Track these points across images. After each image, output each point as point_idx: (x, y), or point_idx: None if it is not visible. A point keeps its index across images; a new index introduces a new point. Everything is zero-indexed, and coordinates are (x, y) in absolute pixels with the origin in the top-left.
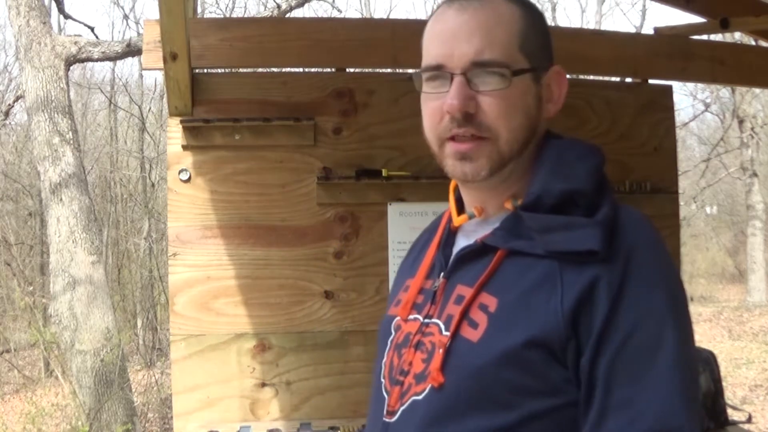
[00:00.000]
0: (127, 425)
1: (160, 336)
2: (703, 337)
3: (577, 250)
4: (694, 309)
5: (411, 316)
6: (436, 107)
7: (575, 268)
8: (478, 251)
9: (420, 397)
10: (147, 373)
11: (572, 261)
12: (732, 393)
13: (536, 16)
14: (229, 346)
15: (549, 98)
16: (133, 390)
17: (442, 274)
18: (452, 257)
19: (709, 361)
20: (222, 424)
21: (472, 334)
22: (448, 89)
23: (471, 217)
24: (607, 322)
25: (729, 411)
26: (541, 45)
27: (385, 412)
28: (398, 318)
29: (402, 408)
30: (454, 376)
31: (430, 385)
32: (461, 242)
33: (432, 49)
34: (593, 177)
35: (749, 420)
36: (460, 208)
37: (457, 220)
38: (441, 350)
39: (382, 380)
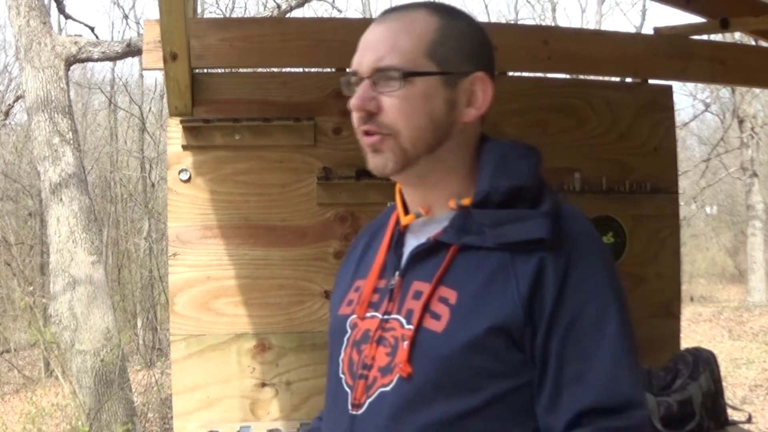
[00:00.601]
0: (127, 425)
1: (160, 336)
2: (703, 337)
3: (527, 239)
4: (694, 309)
5: (368, 314)
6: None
7: (524, 257)
8: (431, 248)
9: (388, 388)
10: (147, 373)
11: (522, 251)
12: (732, 393)
13: (461, 26)
14: (229, 346)
15: (470, 103)
16: (133, 390)
17: (397, 272)
18: (406, 256)
19: (709, 361)
20: (222, 424)
21: (435, 326)
22: None
23: (418, 216)
24: (556, 305)
25: (729, 411)
26: (460, 52)
27: (350, 405)
28: (354, 317)
29: (369, 400)
30: (422, 365)
31: (397, 376)
32: (411, 241)
33: (353, 58)
34: (535, 174)
35: (749, 420)
36: (405, 209)
37: (404, 220)
38: (407, 342)
39: (342, 376)
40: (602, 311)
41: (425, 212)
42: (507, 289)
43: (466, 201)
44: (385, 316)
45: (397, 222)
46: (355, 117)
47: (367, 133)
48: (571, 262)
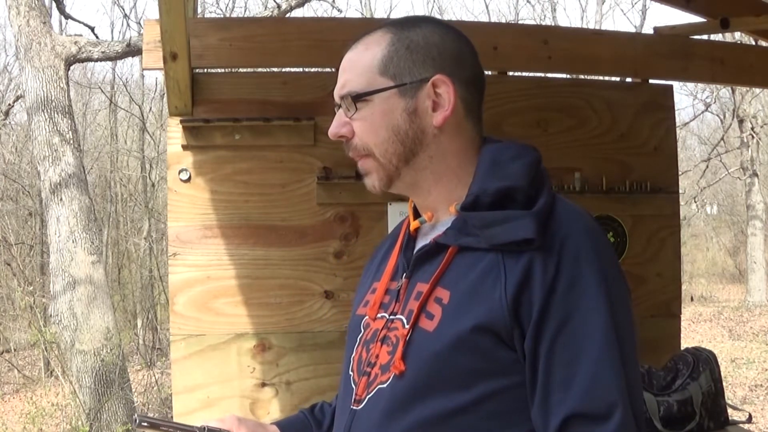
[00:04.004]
0: (127, 425)
1: (160, 336)
2: (704, 337)
3: (515, 240)
4: (694, 309)
5: (379, 315)
6: None
7: (514, 257)
8: (433, 250)
9: (385, 385)
10: (147, 373)
11: (512, 251)
12: (732, 393)
13: (412, 35)
14: (229, 346)
15: (436, 107)
16: (133, 390)
17: (404, 274)
18: (413, 258)
19: (709, 361)
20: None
21: (428, 325)
22: None
23: (422, 222)
24: (544, 307)
25: (729, 411)
26: (412, 62)
27: (352, 400)
28: (367, 317)
29: (368, 396)
30: (414, 363)
31: (393, 373)
32: (419, 245)
33: None
34: (528, 174)
35: (749, 420)
36: (417, 215)
37: (412, 225)
38: (402, 341)
39: (351, 373)
40: (591, 315)
41: (429, 218)
42: (495, 288)
43: None
44: (391, 316)
45: (408, 226)
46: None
47: (355, 159)
48: (561, 263)
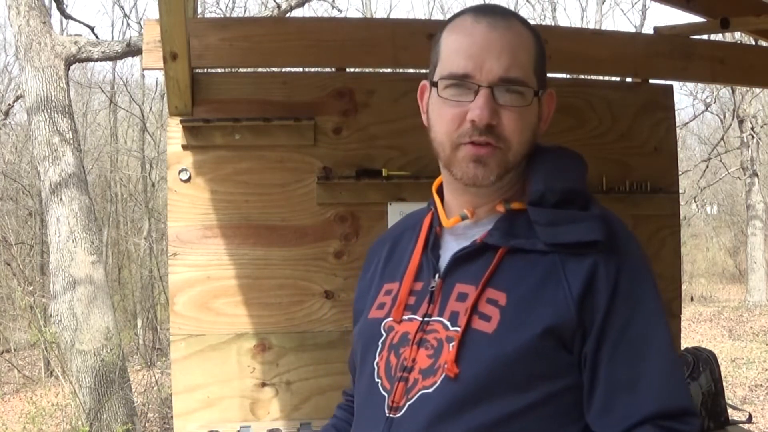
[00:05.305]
0: (127, 425)
1: (160, 336)
2: (703, 337)
3: (582, 241)
4: (694, 309)
5: (405, 317)
6: (456, 114)
7: (575, 259)
8: (477, 251)
9: (430, 390)
10: (147, 373)
11: (572, 253)
12: (732, 393)
13: (542, 42)
14: (229, 346)
15: (542, 116)
16: (133, 390)
17: (437, 274)
18: (450, 258)
19: (709, 361)
20: (222, 424)
21: (485, 326)
22: (471, 99)
23: (464, 218)
24: (608, 310)
25: (729, 411)
26: (544, 69)
27: (387, 409)
28: (389, 320)
29: (409, 403)
30: (471, 365)
31: (442, 377)
32: (451, 244)
33: (457, 60)
34: (584, 179)
35: (749, 420)
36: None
37: (448, 222)
38: (453, 343)
39: (378, 380)
40: (651, 318)
41: (471, 215)
42: (558, 291)
43: (516, 205)
44: (426, 319)
45: (432, 224)
46: (465, 126)
47: (476, 144)
48: (622, 266)
